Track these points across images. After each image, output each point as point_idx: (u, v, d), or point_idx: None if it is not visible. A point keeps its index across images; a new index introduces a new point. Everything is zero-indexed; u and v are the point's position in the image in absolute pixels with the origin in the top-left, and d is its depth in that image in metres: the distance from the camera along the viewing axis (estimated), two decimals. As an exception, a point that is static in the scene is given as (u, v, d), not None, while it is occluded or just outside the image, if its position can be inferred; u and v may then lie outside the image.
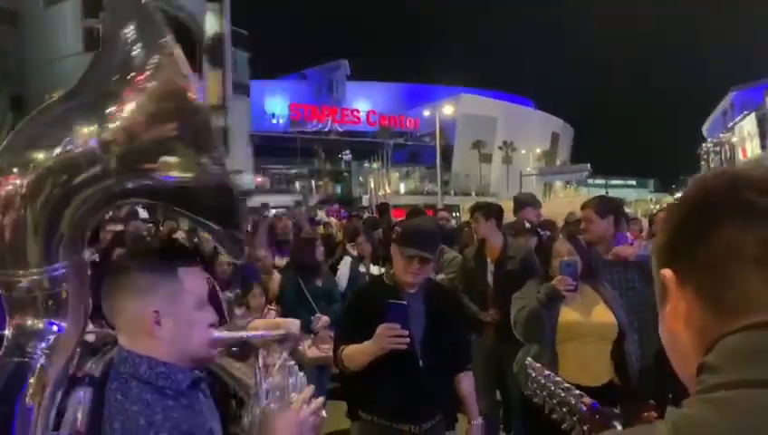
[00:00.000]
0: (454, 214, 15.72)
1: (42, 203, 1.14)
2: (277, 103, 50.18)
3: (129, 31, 1.26)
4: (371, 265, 5.21)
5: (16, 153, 1.18)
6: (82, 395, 1.24)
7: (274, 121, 49.00)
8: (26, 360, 1.18)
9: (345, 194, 46.01)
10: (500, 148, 55.74)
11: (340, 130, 50.32)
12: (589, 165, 42.20)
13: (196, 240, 5.92)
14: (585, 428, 1.56)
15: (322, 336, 4.39)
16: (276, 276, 5.27)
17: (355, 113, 52.21)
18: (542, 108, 65.99)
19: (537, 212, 5.03)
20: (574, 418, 1.60)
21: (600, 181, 52.05)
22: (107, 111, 1.20)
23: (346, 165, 49.71)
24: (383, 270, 4.55)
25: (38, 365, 1.18)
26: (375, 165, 49.04)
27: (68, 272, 1.20)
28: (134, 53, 1.25)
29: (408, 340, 2.39)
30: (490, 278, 4.40)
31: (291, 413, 1.35)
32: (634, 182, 69.50)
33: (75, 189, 1.17)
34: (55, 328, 1.20)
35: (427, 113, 39.81)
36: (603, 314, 2.97)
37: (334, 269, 5.33)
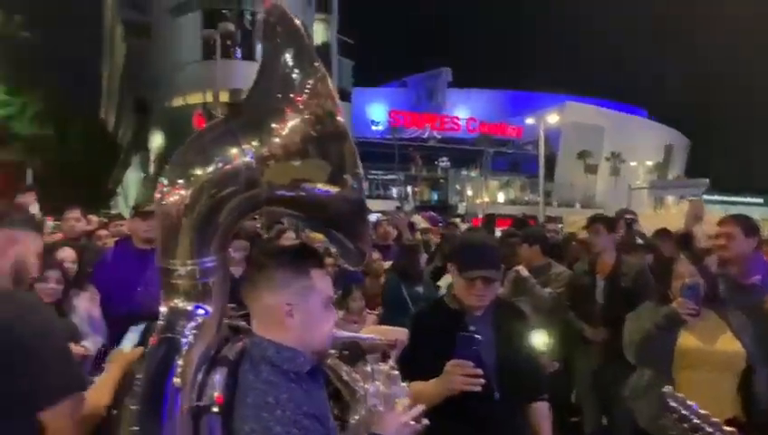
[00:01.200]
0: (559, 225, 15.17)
1: (199, 209, 1.40)
2: (377, 110, 50.90)
3: (288, 56, 1.46)
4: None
5: (182, 168, 1.45)
6: (220, 374, 1.42)
7: (374, 128, 49.72)
8: (177, 337, 1.40)
9: (441, 201, 45.89)
10: (607, 159, 53.36)
11: (439, 137, 50.19)
12: (707, 180, 39.42)
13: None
14: None
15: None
16: (381, 281, 5.29)
17: (455, 120, 51.89)
18: (656, 118, 62.36)
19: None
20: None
21: (719, 198, 48.46)
22: (271, 125, 1.42)
23: (443, 172, 49.52)
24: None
25: (186, 342, 1.40)
26: (473, 173, 48.53)
27: (216, 265, 1.45)
28: (293, 76, 1.44)
29: (482, 381, 2.10)
30: (599, 295, 4.21)
31: (395, 414, 1.51)
32: (761, 200, 64.09)
33: (227, 198, 1.41)
34: (202, 311, 1.43)
35: (530, 121, 38.77)
36: (729, 343, 2.73)
37: (435, 276, 5.27)
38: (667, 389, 1.71)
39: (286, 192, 1.45)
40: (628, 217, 6.11)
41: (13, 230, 1.82)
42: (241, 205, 1.43)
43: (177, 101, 36.66)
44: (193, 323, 1.41)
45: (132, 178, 44.64)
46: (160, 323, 1.43)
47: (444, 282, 5.09)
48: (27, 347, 1.55)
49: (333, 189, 1.43)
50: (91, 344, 3.47)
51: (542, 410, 2.39)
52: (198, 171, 1.40)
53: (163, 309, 1.45)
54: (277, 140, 1.41)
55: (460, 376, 2.09)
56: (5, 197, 5.25)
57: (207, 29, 33.99)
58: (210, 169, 1.40)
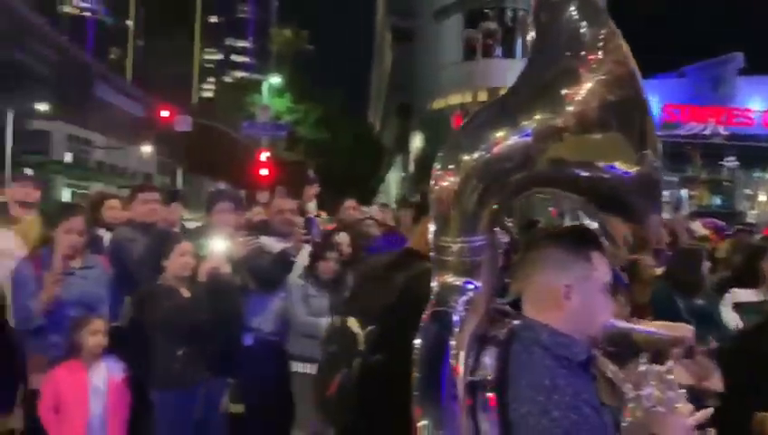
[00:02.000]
0: None
1: (469, 192, 1.40)
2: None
3: (571, 10, 1.33)
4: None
5: (453, 152, 1.45)
6: (490, 353, 1.42)
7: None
8: (449, 310, 1.43)
9: (726, 207, 40.32)
10: None
11: (725, 133, 44.03)
12: None
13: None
14: None
15: (700, 360, 3.72)
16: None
17: (746, 113, 45.02)
18: None
19: None
20: None
21: None
22: (561, 91, 1.29)
23: (729, 173, 43.34)
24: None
25: (459, 317, 1.41)
26: (768, 174, 41.72)
27: (485, 244, 1.46)
28: (582, 30, 1.31)
29: None
30: None
31: (680, 417, 1.38)
32: None
33: (498, 178, 1.38)
34: (471, 286, 1.44)
35: None
36: None
37: (720, 288, 4.53)
38: None
39: (572, 171, 1.35)
40: None
41: None
42: (514, 185, 1.39)
43: (438, 104, 38.29)
44: (464, 298, 1.42)
45: (393, 178, 48.01)
46: (432, 297, 1.46)
47: (736, 297, 4.32)
48: None
49: (632, 169, 1.31)
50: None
51: None
52: (467, 156, 1.38)
53: (434, 284, 1.47)
54: (570, 108, 1.28)
55: None
56: (295, 190, 6.03)
57: (469, 29, 34.92)
58: (481, 152, 1.36)
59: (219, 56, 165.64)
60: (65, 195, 37.23)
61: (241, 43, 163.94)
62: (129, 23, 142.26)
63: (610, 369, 1.57)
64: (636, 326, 1.59)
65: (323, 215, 7.48)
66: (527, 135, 1.31)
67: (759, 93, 46.83)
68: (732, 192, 43.27)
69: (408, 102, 45.02)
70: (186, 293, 3.58)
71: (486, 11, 35.15)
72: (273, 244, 3.97)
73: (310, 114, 37.71)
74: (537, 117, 1.31)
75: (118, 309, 3.77)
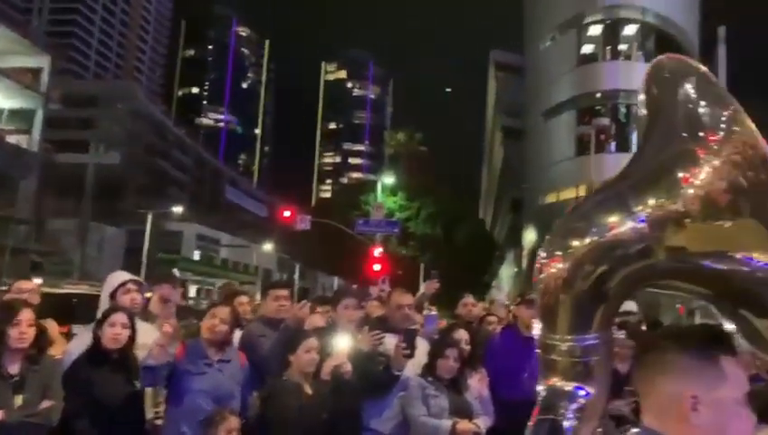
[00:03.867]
0: None
1: (579, 283, 1.26)
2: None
3: (688, 88, 1.23)
4: None
5: (561, 238, 1.31)
6: None
7: None
8: (559, 419, 1.29)
9: None
10: None
11: None
12: None
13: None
14: None
15: None
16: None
17: None
18: None
19: None
20: None
21: None
22: (677, 175, 1.18)
23: None
24: None
25: (570, 426, 1.28)
26: None
27: (599, 343, 1.30)
28: (700, 109, 1.20)
29: None
30: None
31: None
32: None
33: (611, 270, 1.23)
34: (583, 392, 1.29)
35: None
36: None
37: None
38: None
39: (698, 262, 1.19)
40: None
41: None
42: (629, 277, 1.24)
43: (550, 198, 37.78)
44: (575, 405, 1.27)
45: (506, 273, 47.15)
46: (539, 402, 1.33)
47: None
48: None
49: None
50: (481, 423, 3.57)
51: None
52: (576, 242, 1.26)
53: (541, 388, 1.34)
54: (690, 191, 1.15)
55: None
56: (406, 285, 6.06)
57: (581, 126, 34.78)
58: (591, 238, 1.24)
59: (337, 159, 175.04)
60: (191, 291, 39.73)
61: (357, 147, 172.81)
62: (257, 131, 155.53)
63: None
64: None
65: (434, 310, 7.46)
66: (642, 221, 1.19)
67: None
68: None
69: (520, 198, 44.89)
70: (309, 390, 3.66)
71: (598, 107, 35.02)
72: (393, 340, 4.00)
73: (422, 211, 38.51)
74: (651, 202, 1.19)
75: (246, 404, 3.91)
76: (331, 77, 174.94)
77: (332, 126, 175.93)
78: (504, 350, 4.28)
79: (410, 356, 3.83)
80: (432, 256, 34.40)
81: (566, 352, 1.29)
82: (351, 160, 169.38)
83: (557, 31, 38.32)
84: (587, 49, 36.42)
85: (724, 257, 1.17)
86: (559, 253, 1.28)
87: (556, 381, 1.31)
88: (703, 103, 1.21)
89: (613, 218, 1.22)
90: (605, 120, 34.06)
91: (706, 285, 1.29)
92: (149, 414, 3.86)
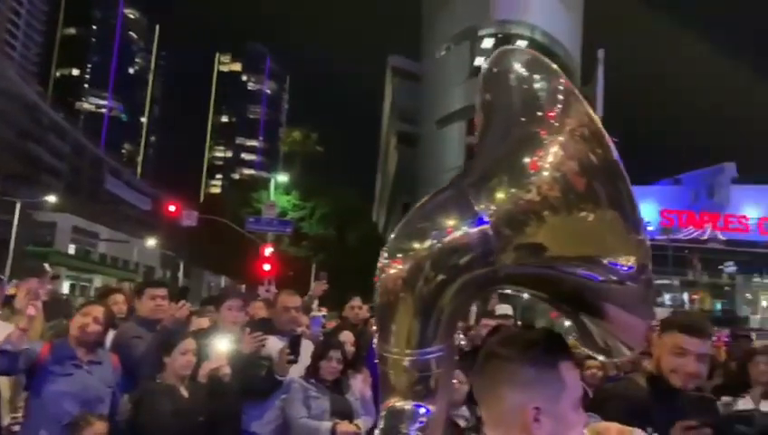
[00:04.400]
0: None
1: (419, 290, 1.12)
2: (648, 210, 47.52)
3: (519, 67, 1.15)
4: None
5: (402, 239, 1.17)
6: None
7: (644, 229, 46.30)
8: None
9: (727, 311, 39.98)
10: None
11: (723, 238, 44.46)
12: None
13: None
14: None
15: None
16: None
17: (743, 220, 45.71)
18: None
19: None
20: None
21: None
22: (522, 161, 1.05)
23: (729, 278, 43.33)
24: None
25: None
26: (768, 280, 41.63)
27: (443, 355, 1.18)
28: (536, 85, 1.11)
29: None
30: None
31: None
32: None
33: (452, 277, 1.11)
34: (423, 410, 1.19)
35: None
36: None
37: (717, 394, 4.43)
38: None
39: (547, 268, 1.08)
40: None
41: None
42: (472, 284, 1.13)
43: (440, 204, 39.07)
44: (416, 425, 1.17)
45: (396, 275, 48.06)
46: (380, 424, 1.23)
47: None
48: None
49: (631, 259, 1.03)
50: (362, 423, 3.61)
51: None
52: (417, 244, 1.12)
53: (382, 410, 1.22)
54: (542, 175, 1.02)
55: None
56: (297, 285, 6.03)
57: (471, 136, 36.29)
58: (432, 241, 1.11)
59: (229, 154, 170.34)
60: (65, 287, 37.21)
61: (251, 142, 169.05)
62: (144, 119, 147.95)
63: None
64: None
65: (324, 311, 7.43)
66: (483, 222, 1.06)
67: (753, 201, 47.76)
68: (733, 297, 43.11)
69: (412, 203, 45.82)
70: (184, 392, 3.54)
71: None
72: (277, 343, 3.94)
73: (316, 211, 38.38)
74: (497, 196, 1.07)
75: (117, 407, 3.72)
76: (225, 68, 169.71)
77: (225, 119, 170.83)
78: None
79: (294, 362, 3.80)
80: (324, 256, 34.37)
81: (406, 367, 1.17)
82: (244, 156, 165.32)
83: (452, 41, 39.70)
84: (479, 61, 38.02)
85: (591, 263, 1.06)
86: (399, 255, 1.15)
87: (396, 402, 1.19)
88: (536, 78, 1.12)
89: (453, 220, 1.09)
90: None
91: (555, 293, 1.21)
92: (6, 420, 3.58)
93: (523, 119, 1.10)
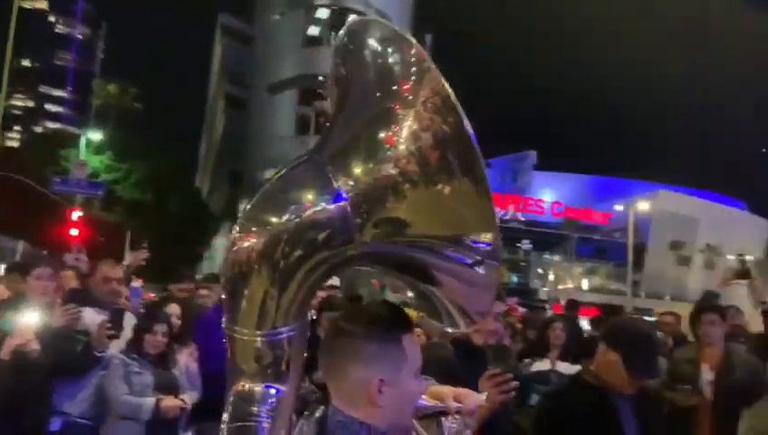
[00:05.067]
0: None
1: (272, 267, 1.09)
2: (461, 191, 51.23)
3: (373, 41, 1.14)
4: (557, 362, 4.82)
5: (256, 213, 1.15)
6: None
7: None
8: (252, 425, 1.16)
9: (522, 284, 44.81)
10: (701, 251, 50.69)
11: (522, 219, 49.63)
12: (815, 279, 36.36)
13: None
14: None
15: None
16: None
17: (539, 203, 51.38)
18: (756, 211, 59.12)
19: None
20: None
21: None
22: (378, 136, 1.06)
23: (525, 254, 48.62)
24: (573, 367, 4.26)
25: (264, 428, 1.16)
26: (557, 257, 47.32)
27: (293, 335, 1.17)
28: (390, 60, 1.11)
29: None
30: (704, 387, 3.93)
31: None
32: None
33: (307, 255, 1.09)
34: (273, 391, 1.18)
35: (619, 208, 37.87)
36: None
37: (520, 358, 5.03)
38: None
39: (406, 246, 1.07)
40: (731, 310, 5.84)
41: None
42: (329, 262, 1.11)
43: (269, 174, 38.37)
44: (266, 407, 1.17)
45: (221, 245, 46.67)
46: (227, 409, 1.20)
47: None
48: None
49: (489, 236, 1.06)
50: (188, 398, 3.58)
51: None
52: (274, 218, 1.09)
53: (230, 393, 1.19)
54: (397, 150, 1.02)
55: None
56: (109, 253, 5.64)
57: (303, 106, 36.03)
58: (288, 215, 1.08)
59: (30, 103, 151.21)
60: None
61: (57, 93, 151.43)
62: None
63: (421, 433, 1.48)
64: (436, 405, 1.48)
65: (140, 282, 7.05)
66: (342, 198, 1.05)
67: (549, 186, 53.98)
68: (527, 271, 48.53)
69: (239, 170, 44.64)
70: (-15, 372, 3.24)
71: (320, 91, 36.73)
72: (95, 316, 3.72)
73: (132, 174, 35.67)
74: (355, 171, 1.05)
75: None
76: (27, 5, 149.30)
77: (26, 63, 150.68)
78: (218, 324, 4.33)
79: (116, 337, 3.63)
80: (141, 223, 32.20)
81: (256, 348, 1.14)
82: (49, 107, 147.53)
83: (287, 6, 38.90)
84: (313, 30, 37.79)
85: (454, 242, 1.07)
86: (255, 228, 1.12)
87: (244, 385, 1.17)
88: (390, 51, 1.10)
89: (311, 195, 1.07)
90: (325, 104, 35.83)
91: (411, 272, 1.21)
92: None
93: (378, 94, 1.10)
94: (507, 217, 48.72)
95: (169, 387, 3.56)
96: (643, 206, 34.60)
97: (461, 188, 1.01)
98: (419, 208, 1.03)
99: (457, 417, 1.52)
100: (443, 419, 1.51)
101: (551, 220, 49.60)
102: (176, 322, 3.97)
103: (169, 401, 3.48)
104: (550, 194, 52.14)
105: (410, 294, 1.37)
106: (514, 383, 2.28)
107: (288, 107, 37.84)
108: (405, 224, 1.05)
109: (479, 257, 1.09)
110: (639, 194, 39.67)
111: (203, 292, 5.54)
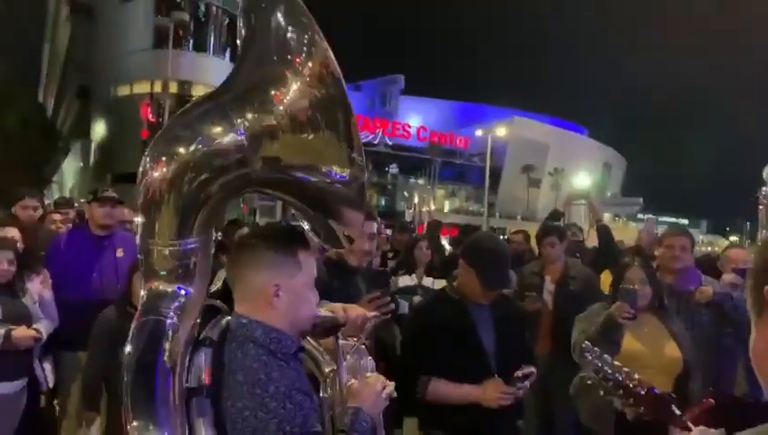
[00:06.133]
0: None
1: (182, 189, 1.32)
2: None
3: (279, 17, 1.36)
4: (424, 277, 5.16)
5: (166, 144, 1.37)
6: (204, 354, 1.43)
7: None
8: (162, 319, 1.36)
9: (389, 207, 46.19)
10: (550, 174, 54.98)
11: (390, 143, 50.60)
12: (641, 199, 41.01)
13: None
14: (641, 409, 1.76)
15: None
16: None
17: (406, 128, 52.46)
18: (595, 137, 64.80)
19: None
20: (630, 400, 1.77)
21: (651, 217, 50.63)
22: (270, 93, 1.31)
23: (392, 178, 49.91)
24: (438, 283, 4.57)
25: (171, 323, 1.35)
26: (421, 181, 49.05)
27: (199, 246, 1.38)
28: (288, 35, 1.34)
29: (512, 398, 2.48)
30: (547, 296, 4.41)
31: (371, 388, 1.61)
32: (686, 221, 67.41)
33: (212, 178, 1.33)
34: (183, 292, 1.38)
35: (479, 133, 39.66)
36: (669, 348, 2.90)
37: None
38: (585, 344, 1.97)
39: (290, 174, 1.35)
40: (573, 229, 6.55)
41: None
42: (228, 186, 1.35)
43: (123, 90, 35.54)
44: (176, 304, 1.36)
45: (70, 168, 42.91)
46: (142, 304, 1.39)
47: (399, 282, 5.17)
48: None
49: (345, 171, 1.34)
50: (43, 327, 3.39)
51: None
52: (182, 149, 1.32)
53: (143, 292, 1.40)
54: (280, 108, 1.29)
55: (498, 394, 2.45)
56: None
57: (160, 17, 33.19)
58: (195, 146, 1.31)
59: None
60: None
61: None
62: None
63: (315, 348, 1.66)
64: (319, 312, 1.64)
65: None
66: (241, 133, 1.29)
67: (416, 111, 55.10)
68: (394, 195, 50.06)
69: (88, 85, 40.76)
70: None
71: (178, 1, 33.95)
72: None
73: (-41, 87, 31.29)
74: (249, 116, 1.30)
75: None
76: None
77: None
78: (73, 250, 4.09)
79: None
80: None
81: (168, 256, 1.35)
82: None
83: None
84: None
85: (313, 170, 1.34)
86: (164, 158, 1.32)
87: (158, 284, 1.37)
88: (291, 29, 1.34)
89: (217, 129, 1.31)
90: (184, 16, 33.30)
91: (294, 194, 1.45)
92: None
93: (275, 58, 1.34)
94: (376, 142, 49.43)
95: (22, 316, 3.34)
96: (500, 131, 36.49)
97: (324, 137, 1.31)
98: (291, 149, 1.33)
99: (349, 339, 1.76)
100: (339, 337, 1.70)
101: (417, 145, 51.03)
102: (20, 246, 3.62)
103: (21, 332, 3.28)
104: (416, 119, 53.35)
105: (294, 212, 1.57)
106: (392, 305, 2.51)
107: (142, 18, 34.66)
108: (280, 159, 1.34)
109: (341, 179, 1.36)
110: (497, 120, 41.72)
111: (56, 216, 5.09)
